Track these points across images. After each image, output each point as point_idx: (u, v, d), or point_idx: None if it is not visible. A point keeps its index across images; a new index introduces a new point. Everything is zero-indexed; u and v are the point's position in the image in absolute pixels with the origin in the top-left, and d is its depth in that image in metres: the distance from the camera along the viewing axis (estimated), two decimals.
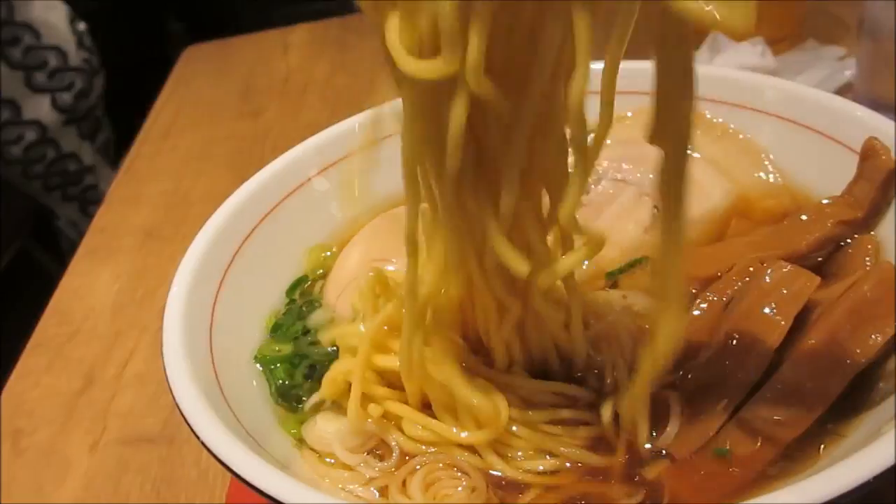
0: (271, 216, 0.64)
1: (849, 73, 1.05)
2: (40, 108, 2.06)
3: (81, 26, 2.19)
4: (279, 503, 0.38)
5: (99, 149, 2.29)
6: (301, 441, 0.50)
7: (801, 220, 0.56)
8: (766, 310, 0.49)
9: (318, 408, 0.52)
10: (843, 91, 1.03)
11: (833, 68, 1.07)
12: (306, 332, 0.59)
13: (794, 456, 0.44)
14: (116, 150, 2.32)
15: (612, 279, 0.58)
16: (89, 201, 2.25)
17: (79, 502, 0.73)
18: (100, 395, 0.84)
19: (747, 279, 0.53)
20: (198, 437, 0.44)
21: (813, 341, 0.48)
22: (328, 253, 0.66)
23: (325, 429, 0.49)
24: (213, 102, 1.34)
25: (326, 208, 0.68)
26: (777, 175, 0.63)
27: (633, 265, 0.58)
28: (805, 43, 1.14)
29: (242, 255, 0.60)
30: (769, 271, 0.51)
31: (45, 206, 2.20)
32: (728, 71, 0.69)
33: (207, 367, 0.50)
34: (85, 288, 0.99)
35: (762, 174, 0.63)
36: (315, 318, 0.60)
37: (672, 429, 0.46)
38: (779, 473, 0.44)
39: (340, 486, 0.46)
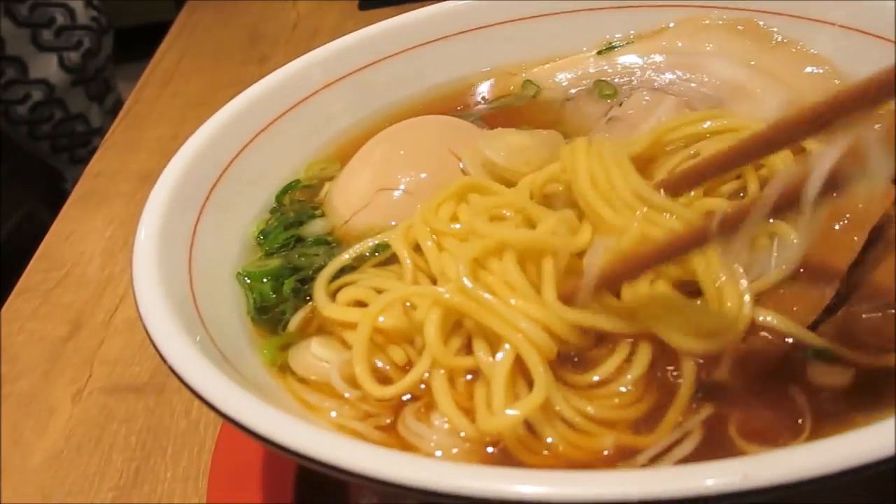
0: (267, 131, 0.57)
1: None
2: (48, 67, 2.00)
3: None
4: (268, 441, 0.32)
5: (108, 111, 2.24)
6: (283, 367, 0.43)
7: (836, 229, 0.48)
8: (836, 226, 0.42)
9: (304, 331, 0.45)
10: None
11: None
12: (299, 240, 0.52)
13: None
14: None
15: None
16: None
17: (59, 453, 0.67)
18: (87, 341, 0.78)
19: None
20: (164, 360, 0.37)
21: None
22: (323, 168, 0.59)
23: (321, 354, 0.42)
24: (218, 49, 1.28)
25: (334, 123, 0.62)
26: (836, 80, 0.56)
27: None
28: None
29: (232, 172, 0.54)
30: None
31: (53, 168, 2.15)
32: None
33: (184, 287, 0.44)
34: (77, 233, 0.93)
35: (821, 81, 0.55)
36: (312, 227, 0.53)
37: None
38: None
39: (338, 421, 0.39)
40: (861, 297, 0.39)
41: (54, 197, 2.23)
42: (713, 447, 0.36)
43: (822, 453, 0.28)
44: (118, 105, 2.31)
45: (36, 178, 2.18)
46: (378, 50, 0.64)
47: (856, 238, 0.41)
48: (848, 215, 0.42)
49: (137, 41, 2.91)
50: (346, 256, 0.48)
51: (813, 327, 0.39)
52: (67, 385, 0.74)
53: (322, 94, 0.61)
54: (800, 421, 0.37)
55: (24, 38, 1.98)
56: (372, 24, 1.23)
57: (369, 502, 0.54)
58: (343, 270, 0.48)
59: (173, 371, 0.37)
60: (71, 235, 0.93)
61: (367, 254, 0.48)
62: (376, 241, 0.48)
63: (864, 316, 0.39)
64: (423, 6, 1.25)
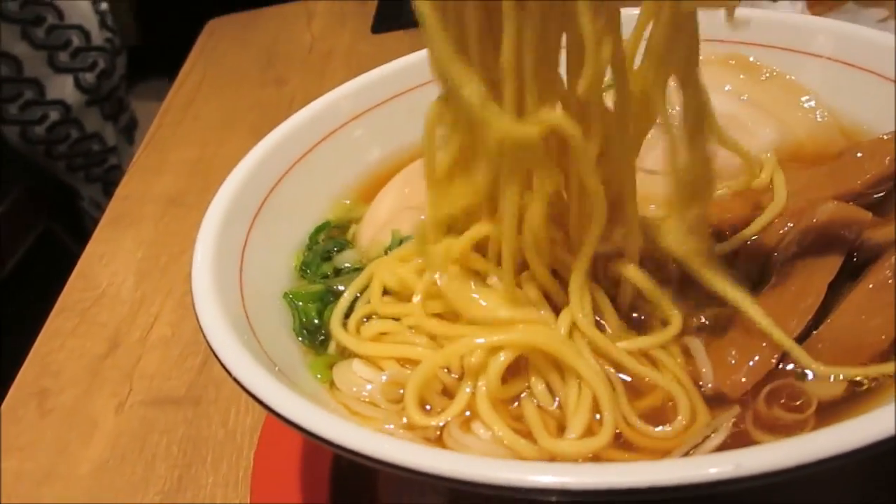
0: (304, 160, 0.62)
1: (891, 34, 1.02)
2: (64, 88, 2.06)
3: (103, 6, 2.19)
4: (336, 445, 0.36)
5: (121, 130, 2.29)
6: (332, 384, 0.48)
7: (856, 157, 0.53)
8: (817, 248, 0.47)
9: (344, 353, 0.50)
10: None
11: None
12: (336, 272, 0.58)
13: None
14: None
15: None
16: (112, 182, 2.25)
17: (105, 462, 0.72)
18: (125, 357, 0.83)
19: (798, 220, 0.50)
20: (230, 374, 0.42)
21: (871, 285, 0.45)
22: (348, 201, 0.64)
23: (364, 374, 0.46)
24: (237, 72, 1.33)
25: (360, 154, 0.67)
26: (825, 112, 0.60)
27: None
28: (845, 4, 1.10)
29: (273, 199, 0.59)
30: (820, 210, 0.49)
31: (69, 187, 2.20)
32: (772, 14, 0.66)
33: (237, 305, 0.49)
34: (109, 254, 0.98)
35: (810, 114, 0.60)
36: (344, 257, 0.59)
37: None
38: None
39: (387, 431, 0.44)
40: (839, 314, 0.44)
41: (69, 214, 2.28)
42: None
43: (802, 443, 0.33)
44: (132, 123, 2.37)
45: (52, 196, 2.23)
46: (402, 83, 0.69)
47: (833, 260, 0.46)
48: (828, 239, 0.47)
49: (147, 59, 2.96)
50: (355, 294, 0.53)
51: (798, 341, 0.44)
52: (109, 398, 0.78)
53: (349, 127, 0.66)
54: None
55: (41, 60, 2.04)
56: (384, 46, 1.29)
57: (398, 502, 0.59)
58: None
59: (237, 381, 0.41)
60: (104, 257, 0.98)
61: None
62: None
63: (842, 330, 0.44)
64: None
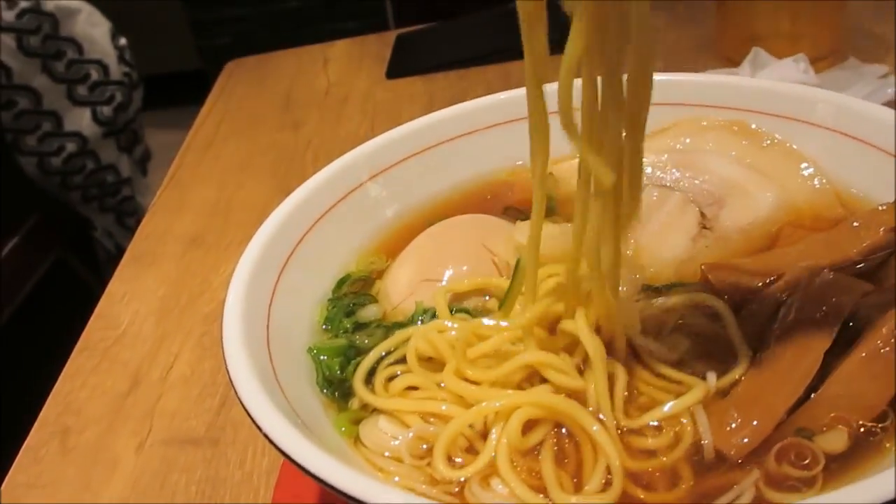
0: (324, 219, 0.65)
1: (891, 90, 1.05)
2: (81, 121, 2.11)
3: (122, 41, 2.25)
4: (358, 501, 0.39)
5: (136, 161, 2.34)
6: (356, 439, 0.50)
7: (853, 226, 0.56)
8: (814, 317, 0.50)
9: (366, 408, 0.53)
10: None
11: (875, 86, 1.07)
12: (358, 326, 0.60)
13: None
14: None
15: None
16: (125, 212, 2.29)
17: (125, 501, 0.74)
18: (145, 396, 0.85)
19: (795, 288, 0.53)
20: (260, 430, 0.44)
21: (864, 354, 0.48)
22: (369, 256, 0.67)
23: (389, 430, 0.49)
24: (255, 114, 1.37)
25: (378, 213, 0.70)
26: (823, 180, 0.63)
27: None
28: (847, 61, 1.14)
29: (297, 255, 0.61)
30: (817, 279, 0.52)
31: (83, 217, 2.24)
32: (775, 84, 0.69)
33: (265, 360, 0.51)
34: (130, 293, 1.01)
35: (809, 180, 0.63)
36: (367, 312, 0.61)
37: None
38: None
39: (409, 485, 0.47)
40: (831, 382, 0.47)
41: (82, 244, 2.32)
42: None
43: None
44: (146, 155, 2.41)
45: (65, 226, 2.27)
46: (418, 143, 0.72)
47: (829, 328, 0.49)
48: (824, 308, 0.49)
49: (159, 89, 3.02)
50: (381, 353, 0.56)
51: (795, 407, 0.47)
52: (130, 437, 0.81)
53: (367, 187, 0.69)
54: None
55: (60, 93, 2.09)
56: (399, 91, 1.33)
57: None
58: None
59: (263, 433, 0.44)
60: (125, 295, 1.01)
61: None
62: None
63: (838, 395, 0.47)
64: (445, 73, 1.34)
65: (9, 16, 1.96)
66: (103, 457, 0.79)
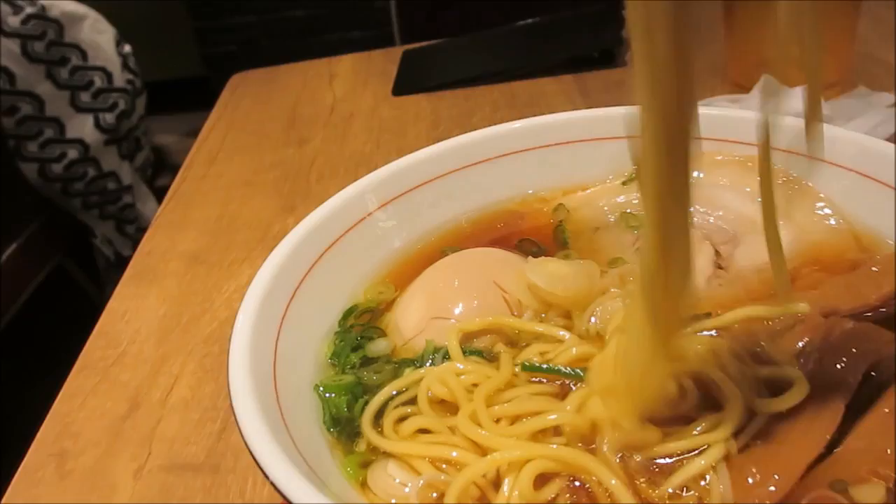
0: (331, 250, 0.64)
1: None
2: (83, 127, 2.11)
3: (127, 48, 2.24)
4: None
5: (137, 169, 2.33)
6: (363, 483, 0.49)
7: (872, 271, 0.55)
8: (835, 368, 0.49)
9: (373, 450, 0.51)
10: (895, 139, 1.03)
11: (884, 115, 1.06)
12: (365, 360, 0.59)
13: None
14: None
15: None
16: (126, 220, 2.29)
17: None
18: (145, 419, 0.84)
19: (814, 336, 0.52)
20: (268, 478, 0.43)
21: (887, 409, 0.47)
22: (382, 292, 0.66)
23: (398, 476, 0.48)
24: (259, 130, 1.36)
25: (386, 242, 0.69)
26: (839, 219, 0.62)
27: None
28: (855, 90, 1.13)
29: (303, 289, 0.60)
30: (837, 329, 0.51)
31: (83, 224, 2.23)
32: (795, 121, 0.68)
33: (272, 399, 0.50)
34: (131, 312, 1.00)
35: (825, 219, 0.62)
36: (376, 347, 0.60)
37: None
38: None
39: None
40: (854, 437, 0.46)
41: (82, 251, 2.31)
42: None
43: None
44: (147, 162, 2.40)
45: (65, 233, 2.26)
46: (425, 173, 0.71)
47: (850, 379, 0.48)
48: (845, 358, 0.48)
49: (163, 95, 3.02)
50: (391, 393, 0.55)
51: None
52: (128, 462, 0.80)
53: (375, 216, 0.68)
54: None
55: (63, 99, 2.08)
56: (404, 109, 1.32)
57: None
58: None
59: (269, 480, 0.43)
60: (126, 314, 1.00)
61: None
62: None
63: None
64: (451, 92, 1.33)
65: (14, 21, 1.96)
66: (101, 482, 0.78)
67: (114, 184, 2.22)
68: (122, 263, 2.10)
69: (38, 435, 0.85)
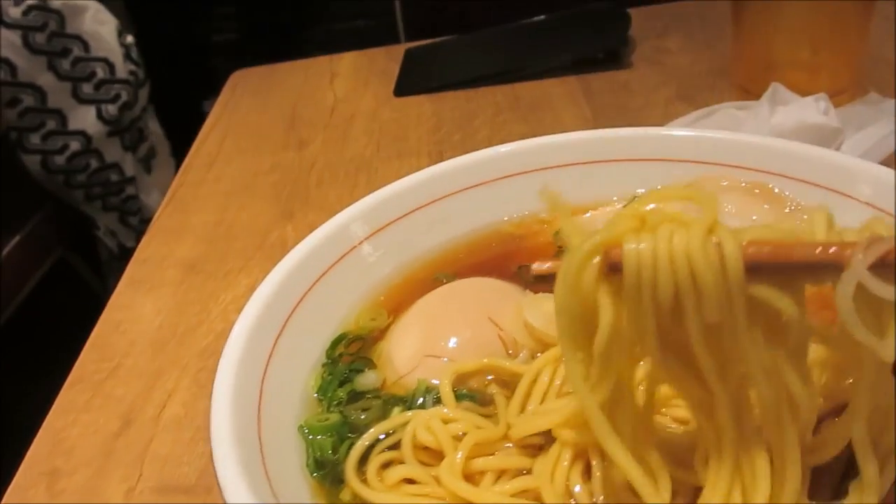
0: (320, 283, 0.62)
1: None
2: (86, 119, 2.10)
3: (129, 39, 2.23)
4: None
5: (140, 160, 2.32)
6: None
7: None
8: None
9: (357, 498, 0.50)
10: None
11: None
12: (354, 396, 0.58)
13: None
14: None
15: None
16: (129, 211, 2.28)
17: None
18: (137, 437, 0.83)
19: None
20: None
21: None
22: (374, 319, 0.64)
23: None
24: (259, 132, 1.34)
25: (378, 269, 0.67)
26: None
27: None
28: (867, 96, 1.10)
29: (291, 325, 0.59)
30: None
31: (86, 215, 2.22)
32: (806, 148, 0.66)
33: (254, 440, 0.49)
34: (126, 322, 0.99)
35: None
36: (365, 380, 0.59)
37: None
38: None
39: None
40: None
41: (85, 243, 2.31)
42: None
43: None
44: (151, 153, 2.39)
45: (68, 225, 2.26)
46: (418, 198, 0.69)
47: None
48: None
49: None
50: (377, 436, 0.53)
51: None
52: (120, 482, 0.79)
53: (364, 245, 0.66)
54: None
55: (65, 91, 2.07)
56: (406, 110, 1.30)
57: None
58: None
59: None
60: (121, 324, 0.98)
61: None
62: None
63: None
64: (454, 93, 1.31)
65: (15, 12, 1.94)
66: (92, 502, 0.77)
67: (117, 175, 2.21)
68: (125, 255, 2.10)
69: (30, 451, 0.84)
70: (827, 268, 0.39)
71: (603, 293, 0.41)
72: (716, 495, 0.42)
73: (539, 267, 0.46)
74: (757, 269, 0.40)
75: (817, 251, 0.40)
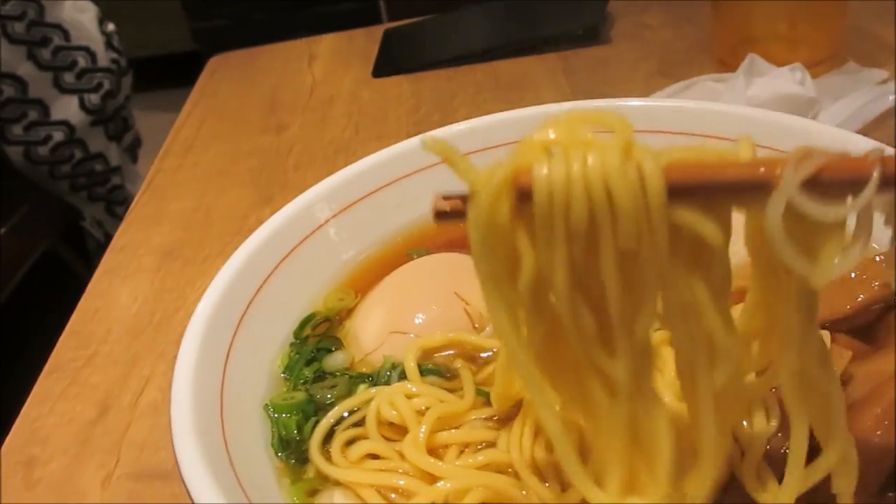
0: (285, 263, 0.62)
1: (891, 98, 1.01)
2: (68, 109, 2.07)
3: (110, 27, 2.20)
4: None
5: (125, 149, 2.30)
6: None
7: (849, 278, 0.53)
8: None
9: (322, 475, 0.50)
10: (886, 117, 0.99)
11: (875, 93, 1.03)
12: (320, 376, 0.57)
13: None
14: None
15: None
16: (115, 201, 2.26)
17: None
18: (114, 424, 0.83)
19: None
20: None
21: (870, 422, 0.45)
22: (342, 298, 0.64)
23: None
24: (237, 116, 1.33)
25: (339, 253, 0.66)
26: None
27: None
28: (845, 65, 1.10)
29: (256, 303, 0.58)
30: None
31: (72, 206, 2.21)
32: (782, 116, 0.65)
33: (216, 420, 0.48)
34: (103, 310, 0.98)
35: None
36: (333, 360, 0.58)
37: None
38: None
39: None
40: None
41: (72, 233, 2.29)
42: None
43: None
44: (135, 142, 2.37)
45: (55, 216, 2.24)
46: (383, 176, 0.69)
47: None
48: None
49: (149, 72, 2.98)
50: (342, 414, 0.53)
51: None
52: (96, 470, 0.78)
53: (330, 225, 0.66)
54: None
55: (46, 81, 2.05)
56: (385, 91, 1.29)
57: None
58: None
59: None
60: (98, 312, 0.98)
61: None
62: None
63: None
64: (433, 73, 1.30)
65: None
66: (69, 491, 0.77)
67: (101, 165, 2.19)
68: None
69: (7, 441, 0.83)
70: (755, 188, 0.35)
71: (521, 234, 0.37)
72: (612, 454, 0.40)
73: (441, 203, 0.40)
74: (679, 191, 0.36)
75: (744, 170, 0.36)
